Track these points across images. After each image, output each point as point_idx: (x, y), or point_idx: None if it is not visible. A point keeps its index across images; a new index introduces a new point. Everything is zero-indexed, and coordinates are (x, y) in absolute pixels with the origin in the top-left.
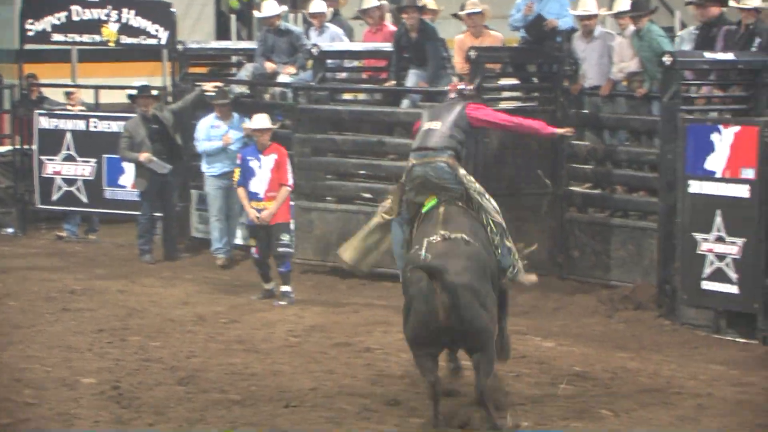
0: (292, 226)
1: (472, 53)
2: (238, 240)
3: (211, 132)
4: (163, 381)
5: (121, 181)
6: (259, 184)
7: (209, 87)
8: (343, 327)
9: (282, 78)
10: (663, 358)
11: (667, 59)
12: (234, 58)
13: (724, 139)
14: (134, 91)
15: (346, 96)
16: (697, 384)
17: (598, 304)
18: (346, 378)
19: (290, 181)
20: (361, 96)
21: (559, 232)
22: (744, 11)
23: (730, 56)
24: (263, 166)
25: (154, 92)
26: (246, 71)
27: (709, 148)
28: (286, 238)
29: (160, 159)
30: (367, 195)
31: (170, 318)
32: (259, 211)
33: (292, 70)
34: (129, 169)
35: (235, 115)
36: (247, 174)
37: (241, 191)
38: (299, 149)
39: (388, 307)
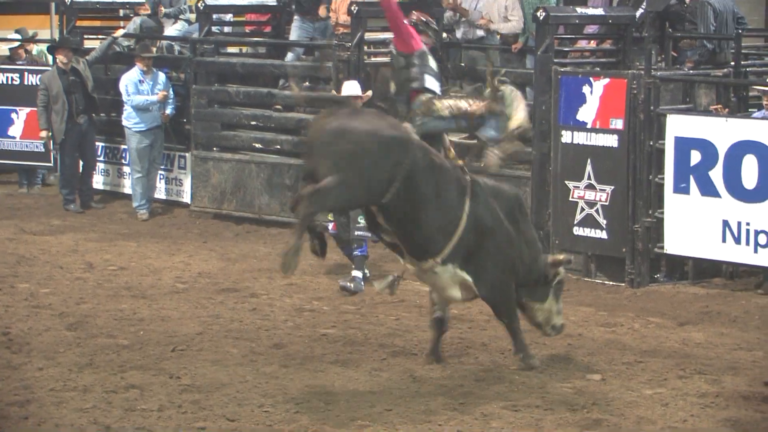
0: None
1: (354, 7)
2: (160, 194)
3: (140, 87)
4: (53, 326)
5: (11, 131)
6: None
7: (119, 34)
8: (230, 273)
9: (168, 31)
10: None
11: (540, 14)
12: (121, 12)
13: (594, 91)
14: (15, 44)
15: (231, 49)
16: (568, 324)
17: None
18: (233, 322)
19: None
20: (246, 49)
21: None
22: None
23: (600, 12)
24: None
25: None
26: (134, 24)
27: (581, 99)
28: (363, 221)
29: (77, 110)
30: (258, 145)
31: (60, 265)
32: None
33: (163, 10)
34: (18, 120)
35: (154, 69)
36: None
37: None
38: (196, 100)
39: (274, 254)
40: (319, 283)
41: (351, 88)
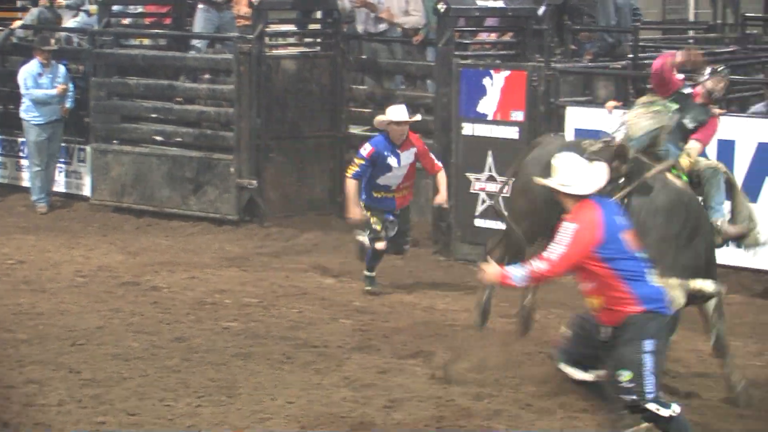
0: None
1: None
2: (59, 187)
3: (39, 80)
4: None
5: None
6: (393, 179)
7: (17, 26)
8: (130, 267)
9: (68, 23)
10: (438, 292)
11: (441, 6)
12: (19, 3)
13: (495, 83)
14: None
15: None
16: (470, 316)
17: None
18: (134, 316)
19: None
20: (146, 41)
21: (339, 174)
22: None
23: (500, 4)
24: (402, 163)
25: None
26: (31, 15)
27: (482, 91)
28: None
29: None
30: (158, 138)
31: None
32: (387, 199)
33: (63, 2)
34: None
35: (54, 62)
36: (378, 171)
37: (353, 185)
38: (95, 93)
39: (175, 247)
40: (221, 276)
41: (397, 113)
